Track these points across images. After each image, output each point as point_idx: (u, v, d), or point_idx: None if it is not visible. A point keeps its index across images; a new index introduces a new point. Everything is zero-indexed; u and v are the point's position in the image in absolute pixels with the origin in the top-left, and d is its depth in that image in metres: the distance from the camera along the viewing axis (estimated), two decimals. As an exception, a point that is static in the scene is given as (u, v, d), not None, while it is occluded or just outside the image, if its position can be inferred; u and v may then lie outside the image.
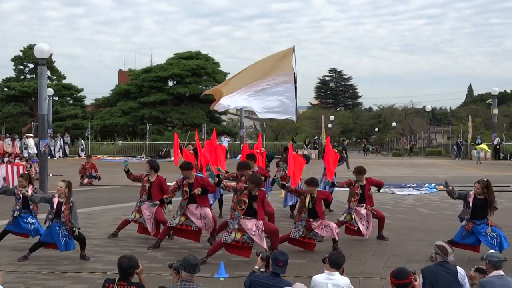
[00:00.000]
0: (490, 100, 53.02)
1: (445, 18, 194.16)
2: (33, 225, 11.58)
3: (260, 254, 6.95)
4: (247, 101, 13.72)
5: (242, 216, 10.40)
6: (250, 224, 10.35)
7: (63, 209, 10.48)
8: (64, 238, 10.56)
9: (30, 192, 11.34)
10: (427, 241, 11.90)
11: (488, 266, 6.87)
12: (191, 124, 57.74)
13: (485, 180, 10.78)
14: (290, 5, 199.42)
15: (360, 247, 12.02)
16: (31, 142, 37.90)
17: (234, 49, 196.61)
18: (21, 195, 11.45)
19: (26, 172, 16.42)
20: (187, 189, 11.52)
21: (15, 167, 21.62)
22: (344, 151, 33.59)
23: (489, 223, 10.68)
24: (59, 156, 44.93)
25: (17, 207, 11.57)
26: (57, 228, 10.51)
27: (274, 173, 15.67)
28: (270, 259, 6.72)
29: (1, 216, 14.26)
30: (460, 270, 6.84)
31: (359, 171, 12.62)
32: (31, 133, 44.29)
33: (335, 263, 6.74)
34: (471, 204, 10.69)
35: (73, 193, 10.79)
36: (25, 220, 11.55)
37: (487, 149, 44.48)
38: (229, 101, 13.57)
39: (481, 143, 45.57)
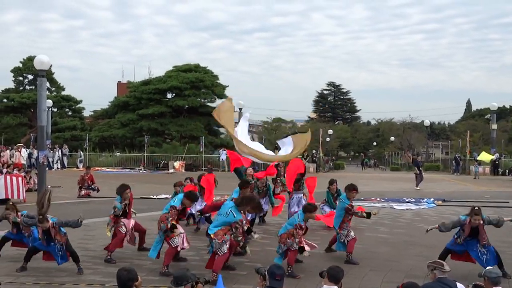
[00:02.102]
0: (489, 115, 53.08)
1: (443, 33, 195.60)
2: (30, 237, 11.58)
3: (259, 273, 6.80)
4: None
5: None
6: None
7: (53, 234, 10.44)
8: (60, 252, 10.53)
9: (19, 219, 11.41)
10: (426, 256, 11.84)
11: (487, 282, 6.83)
12: (189, 136, 57.85)
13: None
14: (289, 19, 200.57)
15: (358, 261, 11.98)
16: (23, 152, 37.85)
17: (233, 62, 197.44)
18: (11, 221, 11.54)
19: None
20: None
21: (14, 178, 21.62)
22: (416, 167, 32.33)
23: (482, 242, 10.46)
24: (57, 168, 44.96)
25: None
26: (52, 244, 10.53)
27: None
28: (266, 273, 6.65)
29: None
30: (460, 286, 6.81)
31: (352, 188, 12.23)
32: (30, 144, 44.33)
33: (334, 277, 6.69)
34: (466, 231, 10.52)
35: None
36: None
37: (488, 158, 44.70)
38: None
39: (479, 160, 45.54)
